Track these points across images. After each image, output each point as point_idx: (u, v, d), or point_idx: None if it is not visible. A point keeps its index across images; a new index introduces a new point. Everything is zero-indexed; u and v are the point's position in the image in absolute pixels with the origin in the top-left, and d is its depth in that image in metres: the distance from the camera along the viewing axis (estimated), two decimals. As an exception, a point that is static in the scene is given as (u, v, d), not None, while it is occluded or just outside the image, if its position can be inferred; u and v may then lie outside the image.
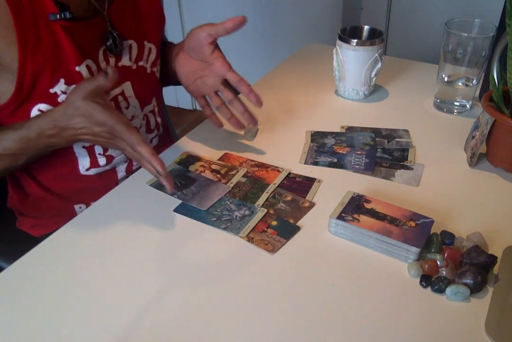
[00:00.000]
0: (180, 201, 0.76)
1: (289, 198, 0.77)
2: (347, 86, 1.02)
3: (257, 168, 0.82)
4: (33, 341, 0.57)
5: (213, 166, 0.83)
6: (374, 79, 1.01)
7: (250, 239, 0.69)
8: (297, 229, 0.71)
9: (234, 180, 0.80)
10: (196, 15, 2.22)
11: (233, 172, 0.82)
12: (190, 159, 0.86)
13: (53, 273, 0.65)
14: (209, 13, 2.19)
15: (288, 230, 0.71)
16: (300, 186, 0.80)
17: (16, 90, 0.73)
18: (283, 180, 0.81)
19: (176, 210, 0.75)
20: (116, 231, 0.72)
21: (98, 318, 0.60)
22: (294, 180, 0.81)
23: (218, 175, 0.81)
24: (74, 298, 0.62)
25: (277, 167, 0.83)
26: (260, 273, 0.65)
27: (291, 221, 0.73)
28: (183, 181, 0.80)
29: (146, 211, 0.75)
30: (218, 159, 0.85)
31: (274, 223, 0.72)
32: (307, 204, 0.76)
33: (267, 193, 0.78)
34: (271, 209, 0.75)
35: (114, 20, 0.80)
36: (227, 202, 0.75)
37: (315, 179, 0.81)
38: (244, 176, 0.81)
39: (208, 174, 0.82)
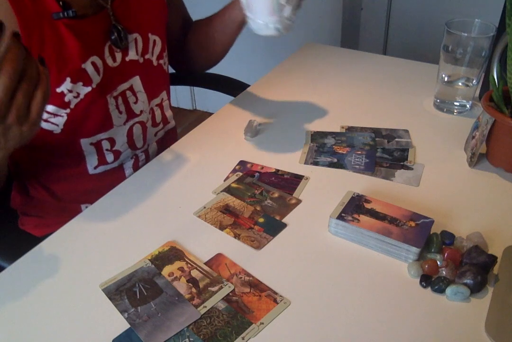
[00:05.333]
0: (128, 325, 0.58)
1: (276, 195, 0.77)
2: (257, 19, 0.80)
3: (249, 290, 0.62)
4: (33, 341, 0.58)
5: (194, 273, 0.65)
6: (286, 8, 0.76)
7: (236, 236, 0.69)
8: (284, 226, 0.72)
9: (210, 303, 0.61)
10: (196, 13, 2.22)
11: (215, 288, 0.63)
12: (171, 254, 0.67)
13: (53, 273, 0.65)
14: (209, 10, 2.18)
15: (274, 227, 0.71)
16: (287, 183, 0.80)
17: None
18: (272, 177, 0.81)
19: (116, 340, 0.57)
20: (117, 230, 0.72)
21: (98, 317, 0.60)
22: (282, 177, 0.81)
23: (193, 289, 0.62)
24: (74, 298, 0.62)
25: (276, 293, 0.62)
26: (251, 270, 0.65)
27: (277, 218, 0.73)
28: (146, 290, 0.62)
29: (149, 208, 0.75)
30: (207, 262, 0.66)
31: (261, 220, 0.73)
32: (294, 201, 0.76)
33: (242, 339, 0.57)
34: (258, 206, 0.75)
35: (118, 14, 0.80)
36: (186, 340, 0.57)
37: (303, 176, 0.81)
38: (226, 298, 0.61)
39: (181, 285, 0.63)
